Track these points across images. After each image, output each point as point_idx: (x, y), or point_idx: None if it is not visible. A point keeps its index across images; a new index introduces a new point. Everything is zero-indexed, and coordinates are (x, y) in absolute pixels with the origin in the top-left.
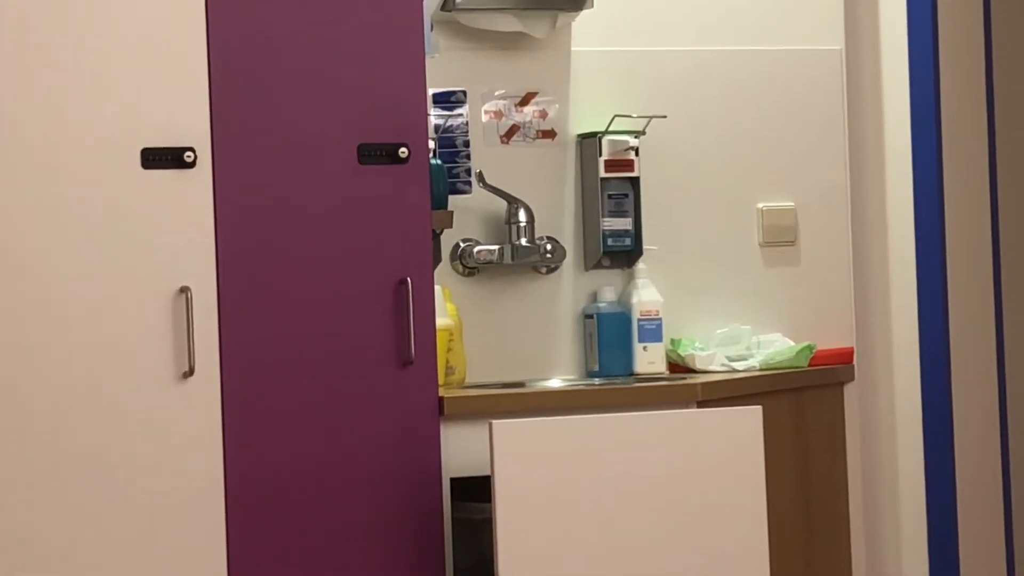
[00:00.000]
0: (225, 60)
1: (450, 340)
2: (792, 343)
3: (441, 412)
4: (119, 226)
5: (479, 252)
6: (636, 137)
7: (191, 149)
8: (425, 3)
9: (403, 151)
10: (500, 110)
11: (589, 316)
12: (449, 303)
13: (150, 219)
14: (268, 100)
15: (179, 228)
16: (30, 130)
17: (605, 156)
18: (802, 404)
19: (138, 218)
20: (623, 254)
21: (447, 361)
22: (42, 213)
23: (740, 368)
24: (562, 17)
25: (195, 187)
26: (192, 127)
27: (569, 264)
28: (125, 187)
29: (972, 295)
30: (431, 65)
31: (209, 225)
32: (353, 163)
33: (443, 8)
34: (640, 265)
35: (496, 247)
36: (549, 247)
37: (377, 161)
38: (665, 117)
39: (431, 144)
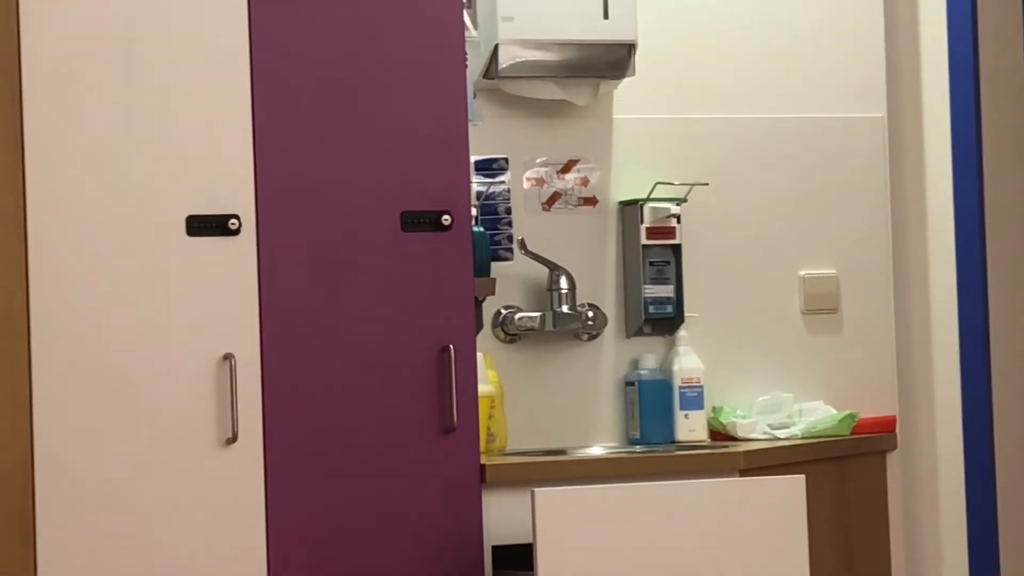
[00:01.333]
0: (270, 128)
1: (491, 407)
2: (834, 411)
3: (483, 479)
4: (164, 293)
5: (521, 319)
6: (678, 204)
7: (236, 216)
8: (468, 71)
9: (446, 218)
10: (542, 177)
11: (630, 383)
12: (490, 369)
13: (195, 286)
14: (312, 168)
15: (223, 295)
16: (77, 198)
17: (647, 223)
18: (845, 473)
19: (183, 285)
20: (664, 321)
21: (488, 428)
22: (88, 280)
23: (782, 436)
24: (604, 85)
25: (239, 254)
26: (237, 195)
27: (610, 331)
28: (170, 254)
29: (1015, 363)
30: (474, 132)
31: (253, 292)
32: (396, 230)
33: (486, 76)
34: (681, 332)
35: (538, 314)
36: (591, 314)
37: (420, 228)
38: (707, 184)
39: (473, 211)
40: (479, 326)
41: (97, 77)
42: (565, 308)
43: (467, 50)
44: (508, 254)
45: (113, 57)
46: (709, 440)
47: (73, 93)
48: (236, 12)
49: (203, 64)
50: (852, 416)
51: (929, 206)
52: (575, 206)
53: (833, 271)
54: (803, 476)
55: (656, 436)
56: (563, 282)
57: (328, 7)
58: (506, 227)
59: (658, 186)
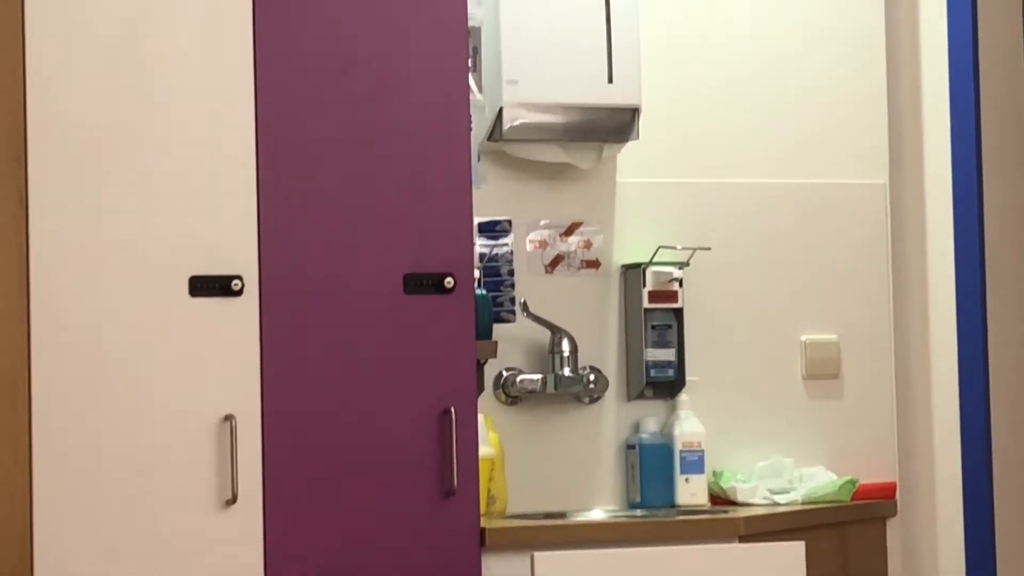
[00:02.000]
0: (274, 189)
1: (492, 469)
2: (835, 477)
3: (483, 543)
4: (166, 353)
5: (522, 381)
6: (680, 268)
7: (239, 277)
8: (473, 134)
9: (449, 281)
10: (545, 239)
11: (631, 447)
12: (491, 431)
13: (196, 346)
14: (315, 229)
15: (225, 355)
16: (80, 258)
17: (649, 287)
18: (845, 539)
19: (184, 345)
20: (666, 385)
21: (489, 490)
22: (90, 339)
23: (782, 501)
24: (607, 148)
25: (241, 315)
26: (240, 255)
27: (612, 394)
28: (173, 315)
29: (1016, 431)
30: (477, 194)
31: (255, 353)
32: (399, 292)
33: (490, 138)
34: (683, 396)
35: (539, 376)
36: (592, 377)
37: (423, 291)
38: (709, 249)
39: (476, 273)
40: (480, 388)
41: (102, 136)
42: (567, 371)
43: (472, 113)
44: (510, 316)
45: (118, 116)
46: (710, 504)
47: (78, 153)
48: (241, 73)
49: (208, 125)
50: (852, 482)
51: (930, 272)
52: (578, 269)
53: (834, 336)
54: (803, 543)
55: (657, 500)
56: (565, 345)
57: (333, 70)
58: (509, 289)
59: (661, 250)
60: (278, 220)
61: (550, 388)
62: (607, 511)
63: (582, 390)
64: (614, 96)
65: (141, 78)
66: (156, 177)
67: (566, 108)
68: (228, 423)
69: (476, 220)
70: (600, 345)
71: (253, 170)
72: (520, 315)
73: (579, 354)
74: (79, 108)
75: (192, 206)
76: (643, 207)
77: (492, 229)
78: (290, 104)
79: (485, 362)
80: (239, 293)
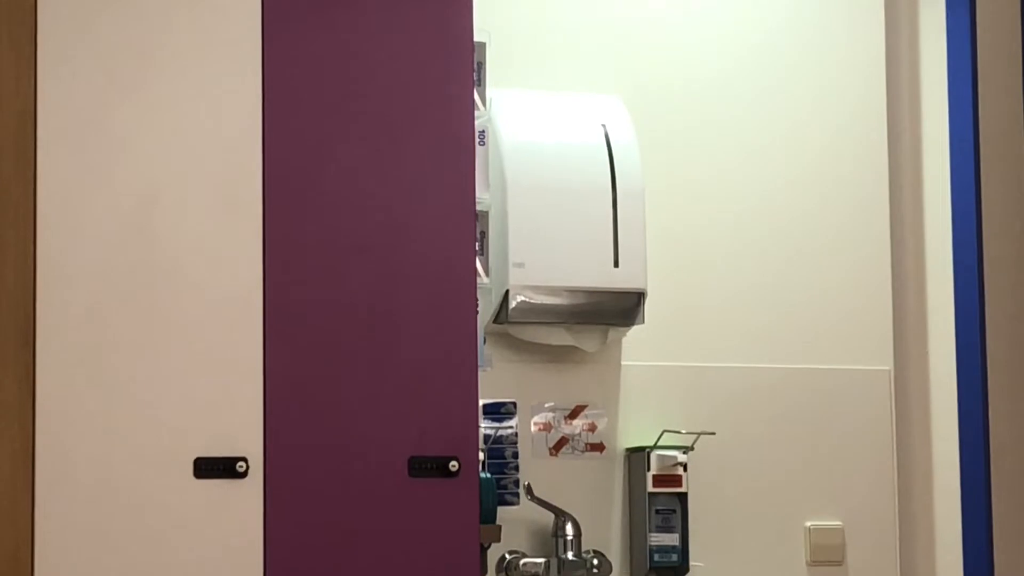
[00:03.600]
0: (280, 370)
1: None
2: None
3: None
4: (168, 535)
5: (525, 565)
6: (685, 452)
7: (243, 459)
8: (479, 316)
9: (453, 464)
10: (549, 422)
11: None
12: None
13: (200, 528)
14: (321, 411)
15: (228, 538)
16: (85, 441)
17: (653, 471)
18: None
19: (188, 527)
20: (670, 569)
21: None
22: (93, 522)
23: None
24: (613, 332)
25: (246, 497)
26: (245, 437)
27: None
28: (177, 497)
29: None
30: (482, 376)
31: (258, 535)
32: (403, 476)
33: (496, 321)
34: None
35: (542, 560)
36: (596, 561)
37: (427, 474)
38: (714, 434)
39: (481, 455)
40: (483, 571)
41: (109, 318)
42: (570, 555)
43: (478, 296)
44: (514, 499)
45: (125, 299)
46: None
47: (85, 332)
48: (250, 255)
49: (216, 307)
50: None
51: (935, 460)
52: (582, 452)
53: (839, 523)
54: None
55: None
56: (568, 528)
57: (339, 253)
58: (513, 471)
59: (665, 434)
60: (284, 402)
61: (553, 572)
62: None
63: (585, 574)
64: (620, 280)
65: (151, 261)
66: (162, 358)
67: (572, 291)
68: None
69: (481, 402)
70: (604, 529)
71: (260, 352)
72: (524, 498)
73: (583, 538)
74: (87, 290)
75: (198, 387)
76: (648, 390)
77: (497, 411)
78: (297, 288)
79: (488, 546)
80: (244, 475)
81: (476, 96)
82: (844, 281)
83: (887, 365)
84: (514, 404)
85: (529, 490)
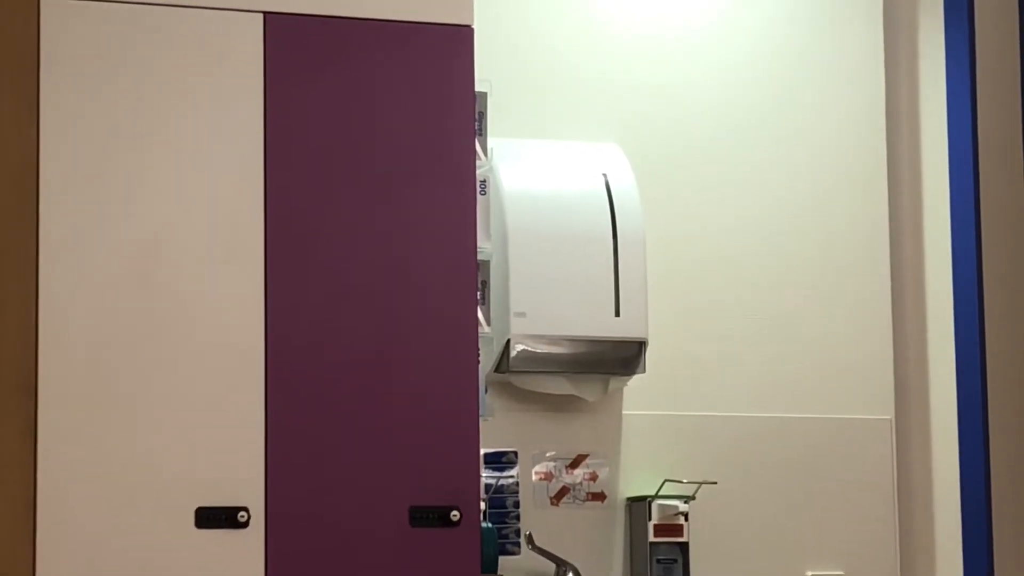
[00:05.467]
0: (281, 420)
1: None
2: None
3: None
4: None
5: None
6: (686, 502)
7: (245, 509)
8: (481, 366)
9: (455, 514)
10: (551, 471)
11: None
12: None
13: None
14: (322, 461)
15: None
16: (87, 491)
17: (655, 520)
18: None
19: None
20: None
21: None
22: (94, 571)
23: None
24: (614, 381)
25: (247, 547)
26: (247, 487)
27: None
28: (178, 546)
29: None
30: (483, 425)
31: None
32: (404, 525)
33: (497, 370)
34: None
35: None
36: None
37: (428, 524)
38: (715, 483)
39: (482, 505)
40: None
41: (111, 367)
42: None
43: (480, 345)
44: (515, 548)
45: (127, 347)
46: None
47: (87, 382)
48: (252, 305)
49: (217, 356)
50: None
51: (936, 509)
52: (583, 501)
53: (841, 572)
54: None
55: None
56: None
57: (341, 301)
58: (514, 521)
59: (667, 483)
60: (285, 452)
61: None
62: None
63: None
64: (621, 329)
65: (153, 312)
66: (164, 408)
67: (573, 341)
68: None
69: (482, 451)
70: None
71: (261, 402)
72: (525, 547)
73: None
74: (89, 341)
75: (200, 437)
76: (649, 440)
77: (498, 460)
78: (299, 339)
79: None
80: (245, 525)
81: (477, 146)
82: (845, 330)
83: (888, 414)
84: (515, 453)
85: (530, 539)
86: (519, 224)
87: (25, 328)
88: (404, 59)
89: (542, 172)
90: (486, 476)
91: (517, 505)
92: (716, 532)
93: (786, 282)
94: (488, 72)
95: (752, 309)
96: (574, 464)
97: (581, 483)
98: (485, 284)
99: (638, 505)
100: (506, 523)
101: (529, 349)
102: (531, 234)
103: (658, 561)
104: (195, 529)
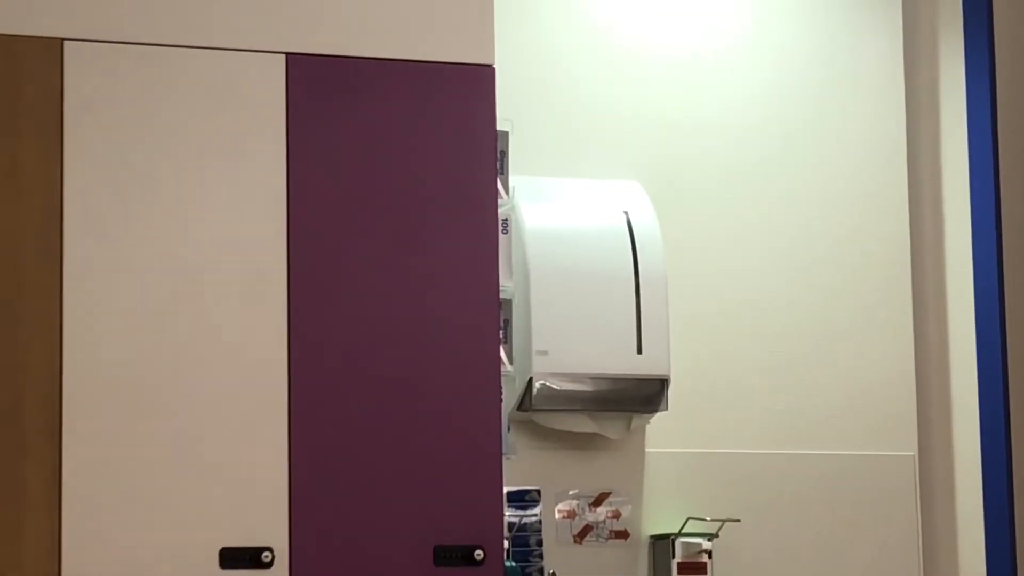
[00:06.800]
0: (305, 460)
1: None
2: None
3: None
4: None
5: None
6: (709, 540)
7: (269, 549)
8: (503, 404)
9: (478, 553)
10: (574, 509)
11: None
12: None
13: None
14: (346, 500)
15: None
16: (111, 531)
17: (678, 558)
18: None
19: None
20: None
21: None
22: None
23: None
24: (636, 419)
25: None
26: (271, 527)
27: None
28: None
29: None
30: (506, 464)
31: None
32: (428, 565)
33: (519, 408)
34: None
35: None
36: None
37: (452, 563)
38: (739, 521)
39: (505, 543)
40: None
41: (135, 409)
42: None
43: (502, 384)
44: None
45: (151, 389)
46: None
47: (111, 422)
48: (275, 346)
49: (241, 398)
50: None
51: (960, 545)
52: (606, 539)
53: None
54: None
55: None
56: None
57: (364, 342)
58: (537, 559)
59: (690, 521)
60: (309, 492)
61: None
62: None
63: None
64: (643, 367)
65: (176, 352)
66: (188, 448)
67: (595, 378)
68: None
69: (505, 489)
70: None
71: (285, 442)
72: None
73: None
74: (113, 382)
75: (224, 477)
76: (672, 477)
77: (521, 499)
78: (322, 379)
79: None
80: (269, 565)
81: (499, 184)
82: (868, 366)
83: (911, 450)
84: (538, 492)
85: None
86: (541, 262)
87: (50, 369)
88: (426, 99)
89: (564, 210)
90: (509, 515)
91: (540, 543)
92: (740, 570)
93: (808, 319)
94: (509, 110)
95: (774, 346)
96: (597, 502)
97: (604, 521)
98: (507, 322)
99: (661, 543)
100: (529, 562)
101: (551, 387)
102: (553, 272)
103: None
104: (219, 569)
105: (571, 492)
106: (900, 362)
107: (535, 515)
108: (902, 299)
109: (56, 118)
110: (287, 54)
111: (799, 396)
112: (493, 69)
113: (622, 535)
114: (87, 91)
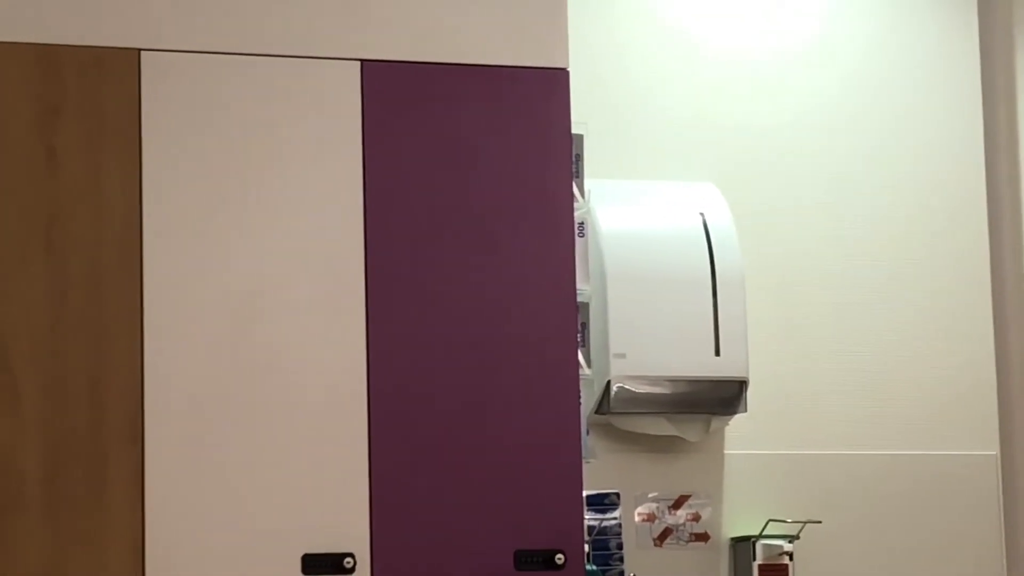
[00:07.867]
0: (386, 465)
1: None
2: None
3: None
4: None
5: None
6: (790, 542)
7: (351, 555)
8: (582, 408)
9: (559, 557)
10: (653, 512)
11: None
12: None
13: None
14: (427, 506)
15: None
16: (194, 536)
17: (759, 560)
18: None
19: None
20: None
21: None
22: None
23: None
24: (715, 421)
25: None
26: (352, 533)
27: None
28: None
29: None
30: (585, 467)
31: None
32: (509, 570)
33: (597, 411)
34: None
35: None
36: None
37: (533, 567)
38: (820, 522)
39: (585, 547)
40: None
41: (217, 416)
42: None
43: (581, 387)
44: None
45: (232, 396)
46: None
47: (192, 431)
48: (355, 350)
49: (322, 403)
50: None
51: None
52: (687, 542)
53: None
54: None
55: None
56: None
57: (444, 347)
58: (617, 563)
59: (770, 523)
60: (390, 497)
61: None
62: None
63: None
64: (721, 369)
65: (256, 359)
66: (269, 455)
67: (673, 381)
68: None
69: (584, 493)
70: None
71: (365, 447)
72: None
73: None
74: (193, 389)
75: (305, 483)
76: (752, 479)
77: (601, 502)
78: (401, 383)
79: None
80: (351, 571)
81: (575, 188)
82: (948, 365)
83: (993, 450)
84: (617, 495)
85: None
86: (617, 265)
87: (131, 379)
88: (501, 103)
89: (639, 212)
90: (589, 518)
91: (620, 547)
92: (821, 571)
93: (887, 318)
94: (584, 113)
95: (852, 346)
96: (676, 505)
97: (684, 524)
98: (584, 326)
99: (742, 545)
100: (610, 565)
101: (630, 390)
102: (629, 275)
103: None
104: (301, 575)
105: (650, 495)
106: (981, 360)
107: (615, 518)
108: (982, 297)
109: (134, 128)
110: (362, 61)
111: (878, 396)
112: (567, 73)
113: (702, 538)
114: (164, 101)
